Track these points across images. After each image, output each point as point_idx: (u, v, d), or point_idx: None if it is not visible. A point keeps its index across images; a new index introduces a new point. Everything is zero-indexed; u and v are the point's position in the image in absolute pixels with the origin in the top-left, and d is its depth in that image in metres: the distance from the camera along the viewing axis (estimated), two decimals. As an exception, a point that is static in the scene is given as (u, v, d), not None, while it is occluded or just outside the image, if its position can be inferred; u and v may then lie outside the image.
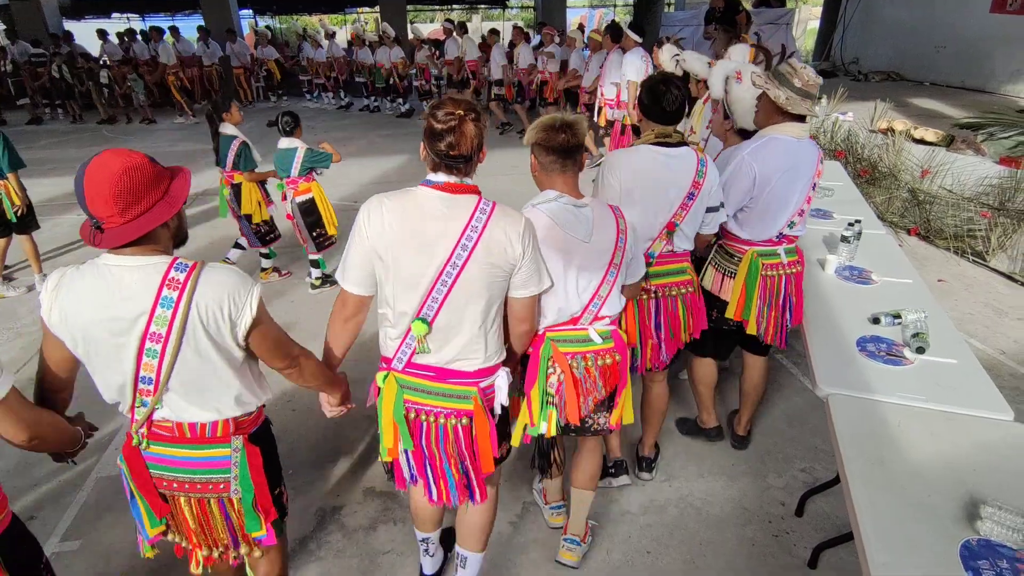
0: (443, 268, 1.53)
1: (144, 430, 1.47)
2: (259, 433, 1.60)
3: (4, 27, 13.99)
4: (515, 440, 1.89)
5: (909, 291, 2.69)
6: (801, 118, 2.30)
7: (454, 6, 20.61)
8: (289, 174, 4.05)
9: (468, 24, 20.63)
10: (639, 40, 6.34)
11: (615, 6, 21.25)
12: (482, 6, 21.05)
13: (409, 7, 14.50)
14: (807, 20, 21.04)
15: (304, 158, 4.03)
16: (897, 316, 2.37)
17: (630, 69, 6.10)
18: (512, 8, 20.08)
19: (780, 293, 2.44)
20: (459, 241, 1.52)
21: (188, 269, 1.35)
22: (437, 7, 19.03)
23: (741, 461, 2.73)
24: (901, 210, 5.14)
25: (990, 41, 8.88)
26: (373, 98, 11.97)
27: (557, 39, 8.80)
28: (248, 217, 4.24)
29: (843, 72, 11.30)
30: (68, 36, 12.22)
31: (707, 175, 2.16)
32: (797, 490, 2.53)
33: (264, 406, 1.64)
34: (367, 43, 11.51)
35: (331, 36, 12.81)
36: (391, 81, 11.37)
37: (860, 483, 1.64)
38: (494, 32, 9.87)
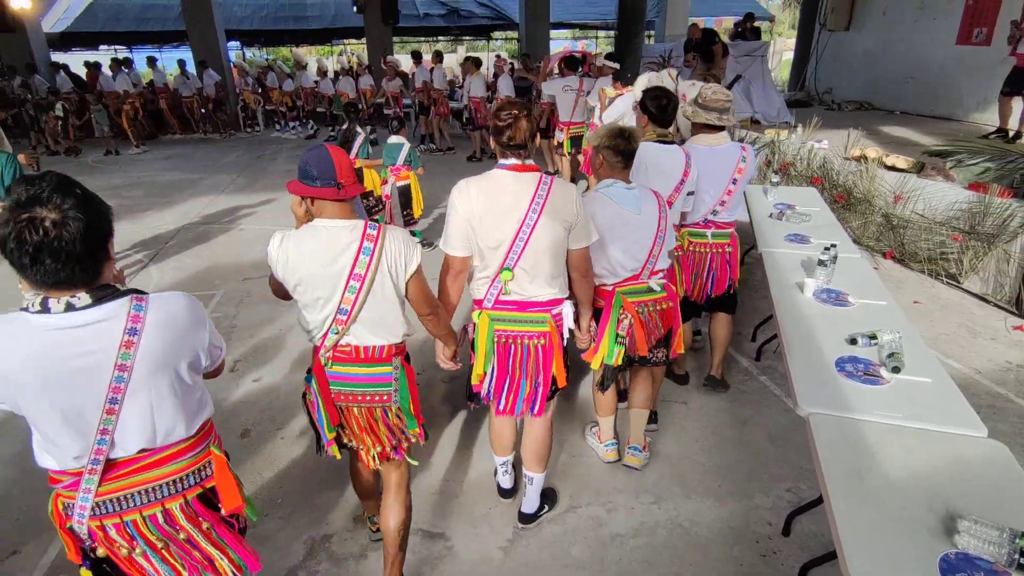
0: (519, 228, 2.03)
1: (330, 353, 1.90)
2: (407, 356, 2.05)
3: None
4: (595, 365, 2.48)
5: (884, 312, 2.77)
6: (714, 129, 3.01)
7: (439, 37, 21.03)
8: (395, 163, 5.31)
9: (452, 55, 21.02)
10: (615, 67, 6.65)
11: (596, 38, 21.80)
12: (467, 38, 21.50)
13: (395, 38, 14.76)
14: (782, 51, 21.74)
15: (408, 153, 5.32)
16: (873, 337, 2.45)
17: (594, 96, 6.44)
18: (496, 40, 20.52)
19: (705, 266, 3.18)
20: (529, 207, 2.03)
21: (377, 228, 1.82)
22: (423, 39, 19.40)
23: (728, 481, 2.77)
24: (876, 234, 5.29)
25: (956, 71, 9.25)
26: (332, 128, 12.23)
27: (506, 69, 9.94)
28: (368, 194, 5.30)
29: (817, 102, 11.66)
30: (32, 68, 12.25)
31: (691, 168, 2.89)
32: (783, 509, 2.56)
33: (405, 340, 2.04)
34: (327, 74, 12.15)
35: (303, 68, 13.13)
36: (358, 107, 11.56)
37: (841, 499, 1.69)
38: (470, 60, 10.17)
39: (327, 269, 1.79)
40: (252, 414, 3.34)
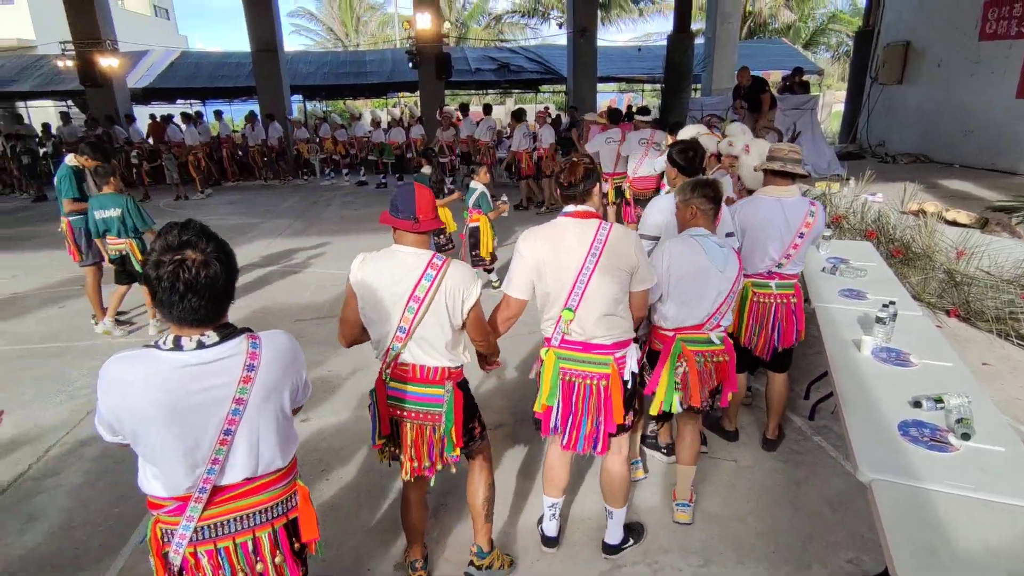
0: (579, 271, 2.18)
1: (389, 369, 2.11)
2: (462, 383, 2.20)
3: (71, 110, 15.39)
4: (654, 410, 2.56)
5: (950, 374, 2.64)
6: (786, 180, 3.04)
7: (489, 91, 21.83)
8: (468, 205, 5.71)
9: (501, 107, 21.71)
10: (647, 120, 6.89)
11: (643, 91, 22.21)
12: (516, 91, 22.24)
13: (447, 91, 15.41)
14: (831, 104, 21.59)
15: (478, 196, 5.67)
16: (939, 400, 2.33)
17: (625, 147, 6.93)
18: (545, 92, 21.14)
19: (770, 318, 3.10)
20: (588, 251, 2.18)
21: (443, 261, 2.03)
22: (473, 91, 20.18)
23: (783, 547, 2.63)
24: (938, 291, 5.08)
25: (1017, 125, 8.99)
26: (383, 175, 12.98)
27: (548, 120, 10.36)
28: (440, 231, 5.80)
29: (870, 154, 11.47)
30: (111, 119, 13.31)
31: (721, 211, 2.84)
32: (843, 582, 2.41)
33: (463, 366, 2.21)
34: (380, 124, 12.90)
35: (357, 119, 13.84)
36: (407, 156, 12.36)
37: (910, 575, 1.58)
38: (516, 114, 10.52)
39: (392, 287, 2.01)
40: (299, 454, 3.38)
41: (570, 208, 2.26)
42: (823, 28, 26.27)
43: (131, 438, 1.41)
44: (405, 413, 2.13)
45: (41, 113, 18.13)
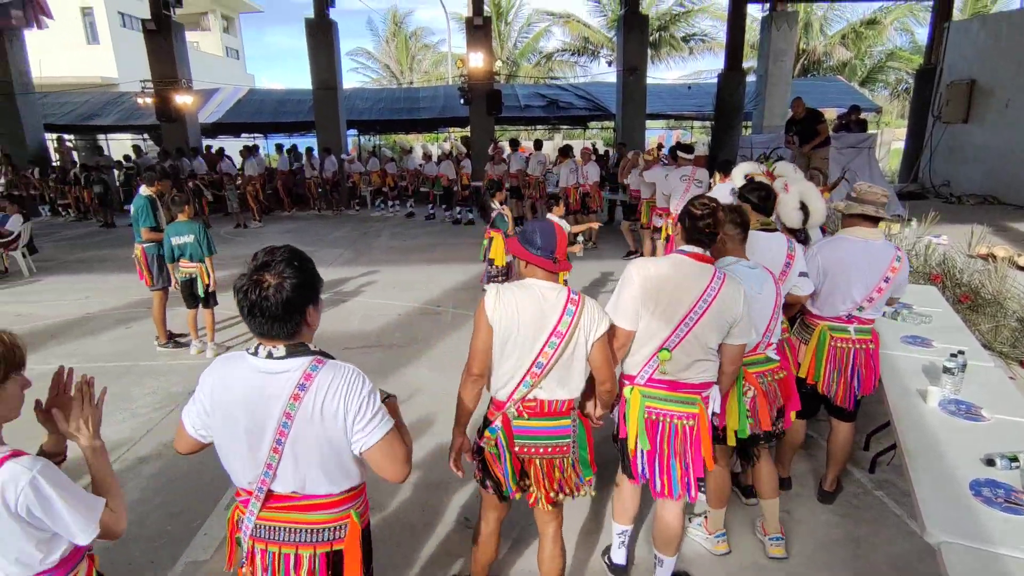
0: (687, 313, 2.17)
1: (518, 406, 2.07)
2: (582, 407, 2.25)
3: (146, 143, 16.49)
4: (730, 440, 2.51)
5: (1027, 431, 2.47)
6: (871, 222, 2.96)
7: (538, 126, 22.22)
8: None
9: (549, 142, 22.02)
10: (689, 158, 7.04)
11: (692, 128, 22.16)
12: (564, 126, 22.56)
13: (497, 127, 15.76)
14: (890, 142, 20.99)
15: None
16: (1015, 459, 2.18)
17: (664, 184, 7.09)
18: (592, 128, 21.36)
19: (849, 363, 2.96)
20: (700, 296, 2.17)
21: (579, 295, 2.06)
22: (522, 127, 20.56)
23: (841, 611, 2.48)
24: (1011, 340, 4.78)
25: (1096, 166, 8.52)
26: (431, 206, 13.38)
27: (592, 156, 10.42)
28: (491, 261, 5.96)
29: (933, 194, 11.04)
30: (180, 152, 14.12)
31: (795, 252, 2.89)
32: (910, 653, 2.24)
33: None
34: (431, 158, 13.23)
35: (407, 152, 14.30)
36: (454, 190, 12.69)
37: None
38: (564, 150, 10.67)
39: (533, 323, 2.01)
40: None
41: (691, 248, 2.25)
42: (881, 66, 25.76)
43: (214, 428, 1.59)
44: (533, 450, 2.10)
45: (118, 145, 19.46)
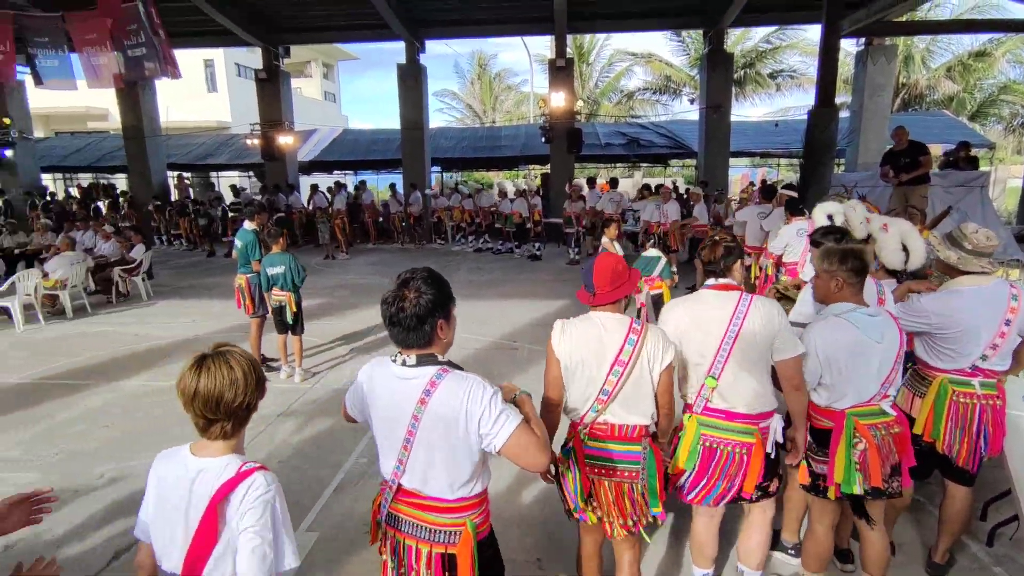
0: (721, 341, 2.27)
1: (588, 429, 2.19)
2: (655, 437, 2.31)
3: (250, 180, 17.94)
4: (831, 494, 2.43)
5: None
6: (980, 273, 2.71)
7: (617, 164, 22.23)
8: (651, 274, 5.90)
9: (628, 179, 21.95)
10: (793, 196, 6.82)
11: (778, 165, 21.43)
12: (644, 164, 22.45)
13: (576, 164, 15.93)
14: (1005, 179, 19.37)
15: (663, 266, 5.97)
16: None
17: (768, 222, 6.98)
18: (674, 166, 21.12)
19: (974, 420, 2.69)
20: (730, 321, 2.28)
21: (641, 325, 2.16)
22: (603, 165, 20.67)
23: None
24: None
25: None
26: (501, 242, 13.66)
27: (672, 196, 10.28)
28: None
29: (1059, 236, 10.01)
30: (277, 188, 15.26)
31: (885, 296, 2.93)
32: None
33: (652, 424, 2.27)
34: (506, 194, 13.57)
35: (479, 190, 14.76)
36: (526, 227, 12.94)
37: None
38: (646, 188, 10.63)
39: (597, 352, 2.13)
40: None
41: (711, 281, 2.41)
42: (993, 99, 23.95)
43: (368, 419, 1.84)
44: (605, 471, 2.20)
45: (227, 182, 21.28)
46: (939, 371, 2.78)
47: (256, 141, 15.61)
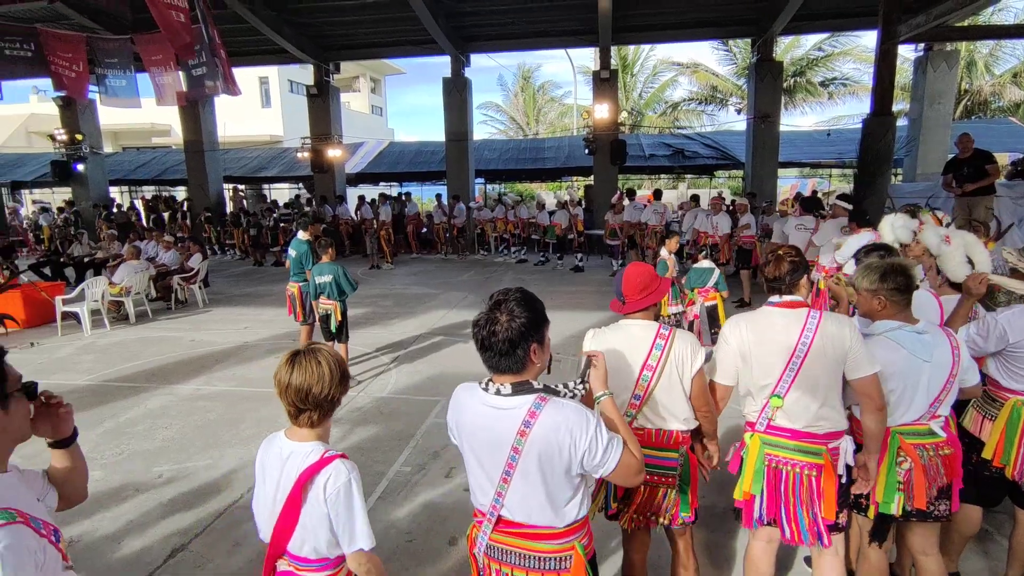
0: (789, 359, 2.18)
1: None
2: (691, 450, 2.31)
3: (300, 191, 18.57)
4: (869, 513, 2.35)
5: None
6: None
7: (661, 175, 21.99)
8: (704, 285, 5.88)
9: (673, 191, 21.66)
10: (848, 208, 6.64)
11: (829, 176, 20.77)
12: (689, 175, 22.13)
13: (620, 176, 15.83)
14: (1079, 190, 18.18)
15: (718, 277, 5.90)
16: None
17: (821, 236, 6.69)
18: (719, 177, 20.75)
19: None
20: (799, 339, 2.18)
21: (669, 331, 2.19)
22: (646, 176, 20.48)
23: None
24: None
25: None
26: (543, 254, 13.70)
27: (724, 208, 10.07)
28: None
29: None
30: (323, 199, 15.72)
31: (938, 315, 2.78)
32: None
33: (692, 431, 2.29)
34: (544, 206, 13.71)
35: (517, 203, 14.82)
36: (568, 238, 12.98)
37: None
38: (695, 199, 10.44)
39: (627, 358, 2.17)
40: (462, 523, 3.48)
41: (776, 298, 2.31)
42: (1063, 105, 22.64)
43: (462, 449, 1.80)
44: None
45: (278, 194, 22.05)
46: (1012, 392, 2.63)
47: (306, 154, 16.14)
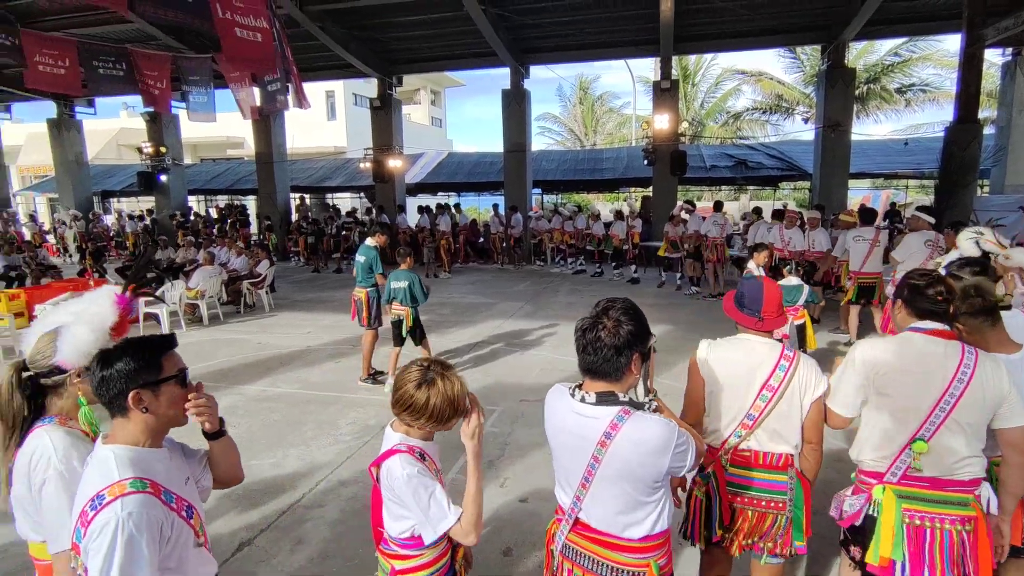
0: (940, 398, 1.92)
1: (729, 455, 2.10)
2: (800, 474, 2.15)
3: (361, 201, 19.17)
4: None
5: None
6: None
7: (722, 187, 21.41)
8: (793, 304, 5.50)
9: (735, 203, 21.06)
10: (931, 221, 6.42)
11: (906, 187, 19.69)
12: (751, 187, 21.47)
13: (680, 187, 15.51)
14: None
15: (808, 293, 5.60)
16: None
17: (902, 250, 6.33)
18: (784, 189, 20.03)
19: None
20: (954, 376, 1.91)
21: (794, 352, 2.08)
22: (707, 187, 20.01)
23: None
24: None
25: None
26: (598, 264, 13.54)
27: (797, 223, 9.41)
28: None
29: None
30: (381, 209, 16.16)
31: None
32: None
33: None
34: (599, 217, 13.69)
35: (575, 213, 14.75)
36: (623, 249, 12.82)
37: None
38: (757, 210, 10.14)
39: (745, 376, 2.04)
40: (515, 534, 3.46)
41: (927, 324, 2.02)
42: None
43: (551, 444, 1.83)
44: (747, 500, 2.10)
45: (341, 203, 22.82)
46: None
47: (368, 164, 16.64)
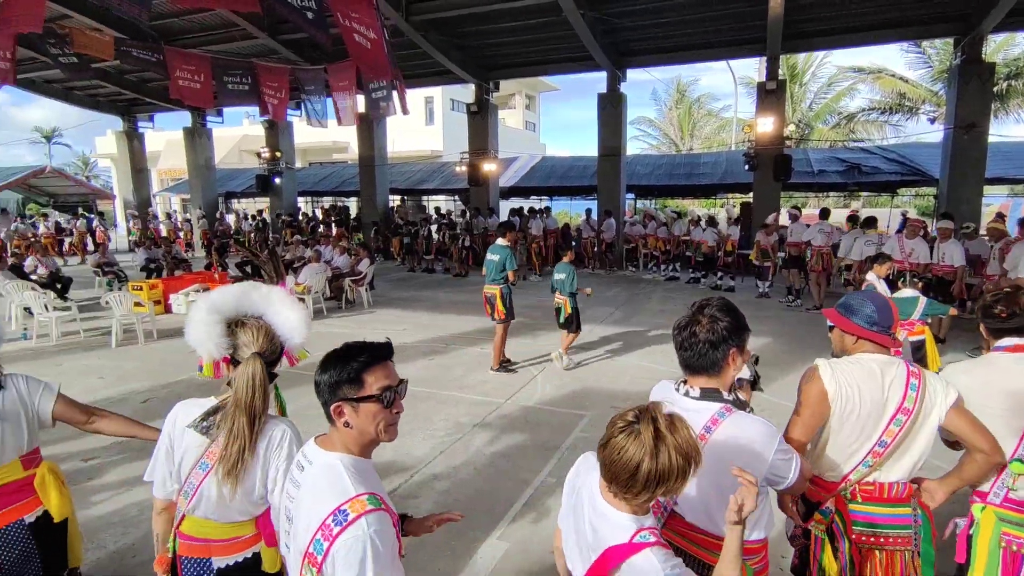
0: None
1: (853, 488, 1.94)
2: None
3: (456, 203, 19.71)
4: None
5: None
6: None
7: (829, 193, 20.02)
8: (907, 317, 5.15)
9: (842, 210, 19.62)
10: None
11: (1053, 194, 17.49)
12: (864, 193, 19.92)
13: (783, 193, 14.68)
14: None
15: (924, 307, 5.14)
16: None
17: (1011, 260, 5.94)
18: (903, 195, 18.42)
19: None
20: None
21: (917, 368, 1.93)
22: (813, 193, 18.81)
23: None
24: None
25: None
26: (692, 270, 13.19)
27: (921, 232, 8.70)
28: None
29: None
30: (477, 211, 16.55)
31: None
32: None
33: None
34: (698, 223, 13.18)
35: (673, 219, 14.39)
36: (714, 256, 12.57)
37: None
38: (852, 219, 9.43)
39: (876, 400, 1.89)
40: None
41: (1010, 341, 2.01)
42: None
43: None
44: (873, 539, 1.95)
45: (435, 205, 23.60)
46: None
47: (464, 168, 17.09)
